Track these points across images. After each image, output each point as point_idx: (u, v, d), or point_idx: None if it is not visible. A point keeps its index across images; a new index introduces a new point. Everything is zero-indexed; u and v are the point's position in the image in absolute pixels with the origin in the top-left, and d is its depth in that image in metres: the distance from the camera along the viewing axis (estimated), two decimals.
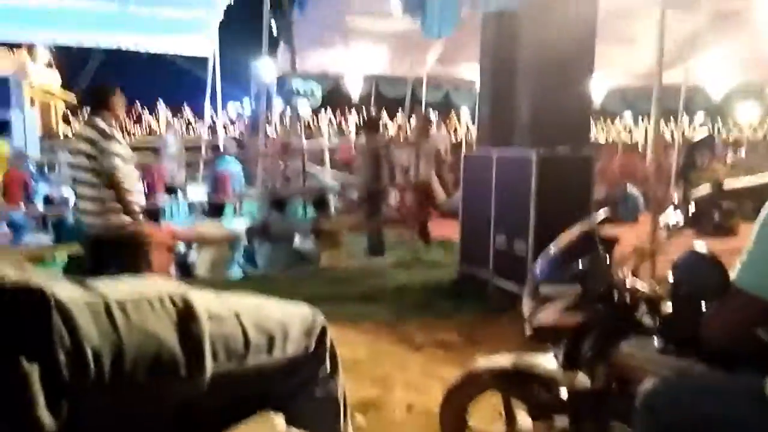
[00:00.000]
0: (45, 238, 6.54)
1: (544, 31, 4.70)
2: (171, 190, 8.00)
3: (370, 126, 7.26)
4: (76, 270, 5.71)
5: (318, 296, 5.22)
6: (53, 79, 18.31)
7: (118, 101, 3.99)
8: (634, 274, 1.67)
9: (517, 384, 1.91)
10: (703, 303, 1.31)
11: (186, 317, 0.64)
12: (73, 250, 5.82)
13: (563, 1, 4.76)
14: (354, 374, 3.47)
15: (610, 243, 1.72)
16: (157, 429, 0.62)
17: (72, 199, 6.83)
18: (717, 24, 7.93)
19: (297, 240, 6.58)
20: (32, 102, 15.26)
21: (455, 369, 3.53)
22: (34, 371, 0.50)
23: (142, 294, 0.66)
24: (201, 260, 6.17)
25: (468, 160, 5.67)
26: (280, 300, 0.83)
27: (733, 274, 1.19)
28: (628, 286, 1.59)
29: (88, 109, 4.16)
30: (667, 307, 1.48)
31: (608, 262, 1.65)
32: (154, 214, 6.40)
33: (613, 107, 13.36)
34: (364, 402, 3.07)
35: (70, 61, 17.02)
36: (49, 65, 18.25)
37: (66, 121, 19.95)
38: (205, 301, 0.69)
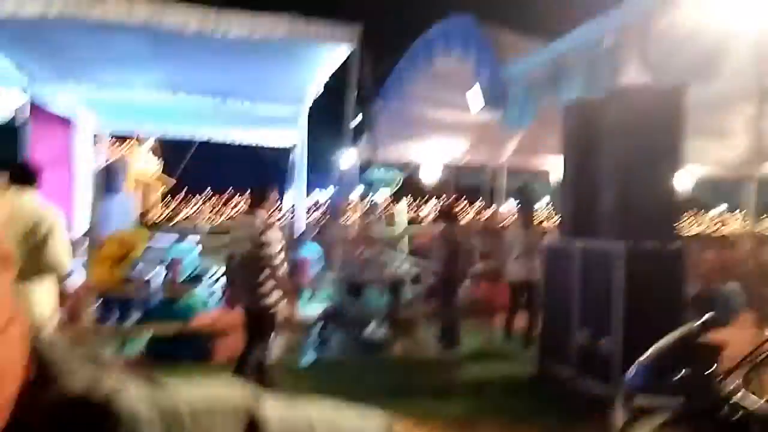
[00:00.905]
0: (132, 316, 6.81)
1: (629, 120, 4.62)
2: None
3: (446, 213, 7.26)
4: (156, 348, 5.89)
5: (388, 387, 5.09)
6: (153, 166, 19.92)
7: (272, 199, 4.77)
8: (745, 387, 1.49)
9: None
10: None
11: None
12: (157, 329, 6.03)
13: (649, 92, 4.69)
14: None
15: (715, 350, 1.55)
16: None
17: (159, 280, 7.15)
18: None
19: (371, 327, 6.51)
20: (134, 187, 16.58)
21: None
22: None
23: (213, 401, 0.62)
24: (275, 344, 6.19)
25: (550, 250, 5.50)
26: (356, 410, 0.77)
27: None
28: (738, 402, 1.41)
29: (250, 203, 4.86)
30: None
31: (714, 374, 1.48)
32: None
33: (704, 198, 12.80)
34: None
35: (171, 154, 18.47)
36: (154, 153, 19.94)
37: (164, 204, 21.37)
38: (277, 414, 0.65)
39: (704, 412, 1.44)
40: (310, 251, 9.12)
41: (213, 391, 0.68)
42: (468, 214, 19.08)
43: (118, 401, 0.52)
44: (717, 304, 6.10)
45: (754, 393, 1.46)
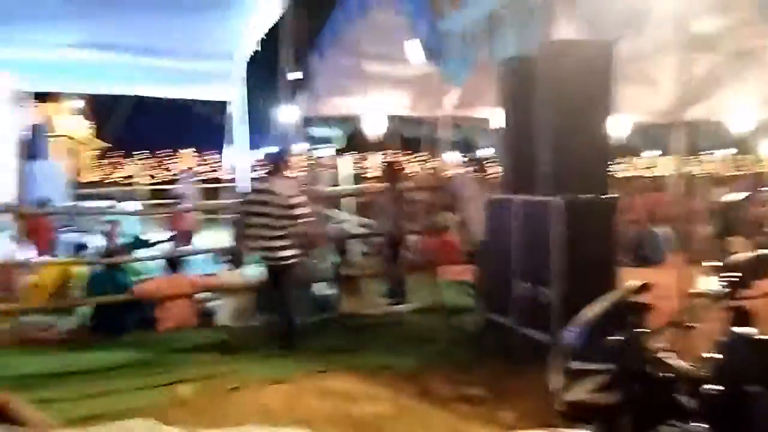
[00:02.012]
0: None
1: (562, 75, 4.68)
2: (189, 238, 8.04)
3: (390, 171, 7.26)
4: (101, 317, 5.74)
5: (338, 346, 5.18)
6: (81, 127, 18.87)
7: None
8: (671, 349, 1.58)
9: None
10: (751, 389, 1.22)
11: None
12: (101, 300, 5.87)
13: (580, 46, 4.76)
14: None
15: (643, 310, 1.63)
16: None
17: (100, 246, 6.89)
18: (737, 62, 7.91)
19: (317, 287, 6.53)
20: (60, 150, 15.71)
21: (483, 428, 3.42)
22: None
23: None
24: (222, 309, 6.15)
25: (489, 202, 5.62)
26: None
27: None
28: (667, 365, 1.50)
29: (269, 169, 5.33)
30: (711, 389, 1.39)
31: (644, 336, 1.57)
32: (175, 263, 6.43)
33: (636, 143, 13.28)
34: None
35: (100, 112, 17.56)
36: (82, 115, 18.85)
37: (96, 167, 20.43)
38: None
39: (633, 375, 1.52)
40: None
41: None
42: (411, 165, 19.15)
43: None
44: (645, 244, 6.43)
45: (680, 351, 1.56)
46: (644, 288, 1.65)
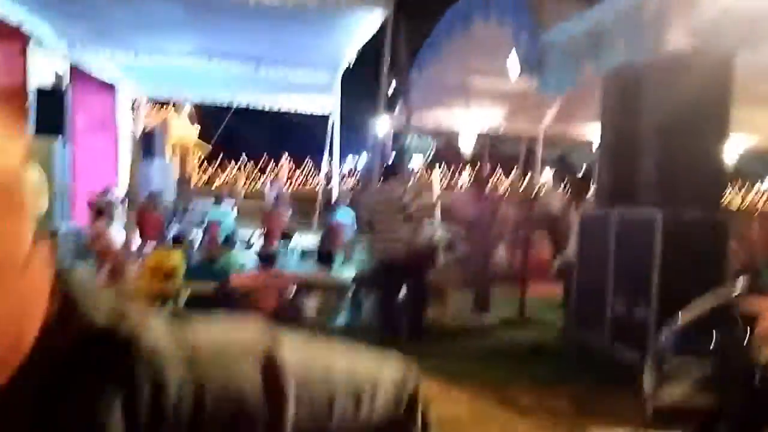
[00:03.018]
0: None
1: (673, 86, 4.47)
2: (285, 237, 8.36)
3: (480, 179, 7.23)
4: (197, 309, 6.07)
5: (420, 351, 5.16)
6: (192, 132, 20.23)
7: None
8: None
9: None
10: None
11: (272, 371, 0.62)
12: (196, 288, 6.21)
13: (691, 60, 4.52)
14: None
15: (751, 319, 1.53)
16: None
17: (198, 241, 7.33)
18: None
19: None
20: (173, 151, 16.90)
21: None
22: (113, 415, 0.51)
23: (230, 337, 0.65)
24: (309, 305, 6.33)
25: (585, 218, 5.43)
26: (374, 354, 0.79)
27: None
28: None
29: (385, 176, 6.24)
30: None
31: (747, 341, 1.46)
32: (269, 258, 6.72)
33: (751, 170, 12.37)
34: None
35: (209, 116, 18.73)
36: (191, 119, 20.25)
37: (202, 167, 21.75)
38: (295, 355, 0.67)
39: (734, 378, 1.43)
40: (345, 216, 9.20)
41: (233, 330, 0.71)
42: (504, 183, 18.87)
43: (141, 337, 0.54)
44: (762, 272, 5.93)
45: None
46: (750, 293, 1.54)
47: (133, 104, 11.08)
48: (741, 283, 1.50)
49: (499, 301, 6.71)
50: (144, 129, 11.81)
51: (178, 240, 7.49)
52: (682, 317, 1.57)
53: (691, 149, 4.41)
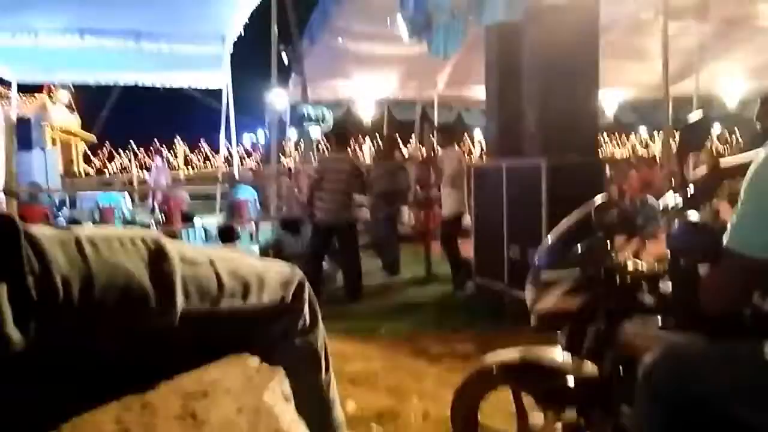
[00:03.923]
0: None
1: (546, 42, 4.75)
2: (187, 219, 8.12)
3: (386, 147, 7.36)
4: None
5: (334, 313, 5.26)
6: (73, 120, 18.88)
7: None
8: (637, 257, 1.66)
9: (526, 377, 1.89)
10: (699, 272, 1.30)
11: (157, 256, 0.67)
12: None
13: (563, 12, 4.81)
14: (370, 385, 3.46)
15: (611, 229, 1.71)
16: (128, 356, 0.64)
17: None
18: (726, 32, 7.93)
19: None
20: (53, 142, 15.72)
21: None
22: (2, 291, 0.53)
23: (115, 233, 0.69)
24: None
25: (477, 172, 5.69)
26: (262, 258, 0.85)
27: (724, 238, 1.18)
28: (628, 267, 1.58)
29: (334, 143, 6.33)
30: (667, 283, 1.47)
31: (609, 246, 1.65)
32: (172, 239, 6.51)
33: (626, 120, 13.34)
34: (380, 412, 3.05)
35: (89, 102, 17.55)
36: (70, 107, 18.87)
37: (86, 160, 20.42)
38: (178, 245, 0.71)
39: (600, 279, 1.60)
40: (246, 193, 9.05)
41: (116, 227, 0.74)
42: (403, 148, 19.18)
43: (26, 229, 0.57)
44: (637, 214, 6.47)
45: (641, 261, 1.64)
46: (610, 205, 1.72)
47: (1, 91, 10.16)
48: (598, 198, 1.67)
49: (406, 261, 6.92)
50: (20, 117, 10.89)
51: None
52: (552, 235, 1.73)
53: (565, 98, 4.72)
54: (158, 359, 0.66)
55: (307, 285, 0.86)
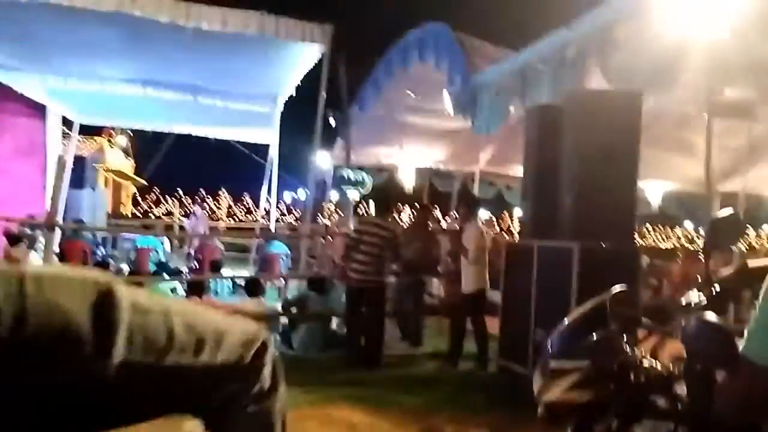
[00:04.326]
0: None
1: (586, 127, 4.74)
2: (216, 268, 8.22)
3: (419, 217, 7.37)
4: None
5: (348, 379, 5.13)
6: (127, 164, 19.74)
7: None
8: (653, 354, 1.57)
9: None
10: (716, 377, 1.21)
11: (105, 300, 0.65)
12: None
13: (606, 98, 4.83)
14: None
15: (629, 322, 1.63)
16: (57, 399, 0.61)
17: (126, 270, 7.08)
18: None
19: (335, 323, 6.53)
20: (105, 183, 16.39)
21: None
22: None
23: (66, 273, 0.68)
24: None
25: (510, 250, 5.60)
26: (229, 316, 0.82)
27: (741, 346, 1.10)
28: (642, 365, 1.49)
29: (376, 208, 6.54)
30: (682, 388, 1.37)
31: (624, 340, 1.56)
32: (199, 287, 6.56)
33: (672, 212, 13.05)
34: None
35: (144, 148, 18.36)
36: (126, 152, 19.77)
37: (135, 202, 21.16)
38: (133, 293, 0.70)
39: (612, 375, 1.51)
40: (279, 249, 9.13)
41: (74, 269, 0.72)
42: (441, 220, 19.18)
43: None
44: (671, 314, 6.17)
45: (657, 359, 1.55)
46: (627, 296, 1.65)
47: (64, 130, 10.74)
48: (616, 288, 1.61)
49: (430, 333, 6.76)
50: (75, 157, 11.43)
51: (102, 267, 7.23)
52: (564, 323, 1.66)
53: (604, 185, 4.64)
54: (88, 409, 0.63)
55: (271, 346, 0.81)
